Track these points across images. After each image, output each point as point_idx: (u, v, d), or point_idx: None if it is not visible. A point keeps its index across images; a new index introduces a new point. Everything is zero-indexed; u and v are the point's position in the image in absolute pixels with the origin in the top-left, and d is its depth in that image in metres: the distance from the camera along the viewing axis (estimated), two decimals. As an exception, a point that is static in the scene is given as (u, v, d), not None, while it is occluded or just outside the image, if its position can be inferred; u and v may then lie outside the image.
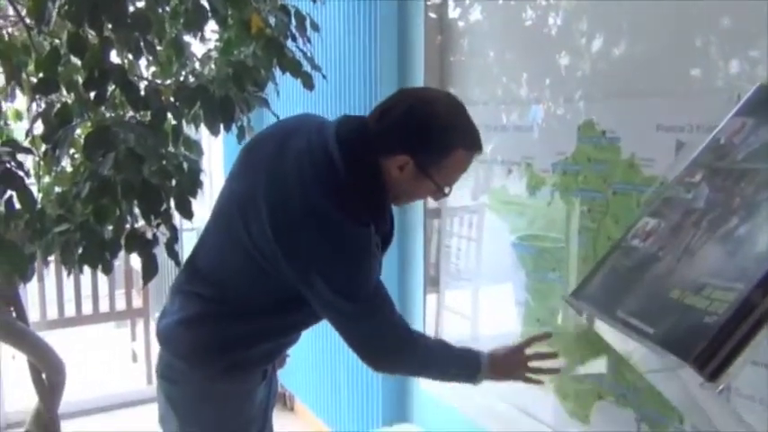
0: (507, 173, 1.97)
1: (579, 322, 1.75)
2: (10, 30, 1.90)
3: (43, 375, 2.33)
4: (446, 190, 1.46)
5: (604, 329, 1.15)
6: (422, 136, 1.37)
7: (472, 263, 2.22)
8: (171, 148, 1.92)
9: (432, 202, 2.32)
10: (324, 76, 2.18)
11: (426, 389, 2.40)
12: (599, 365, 1.71)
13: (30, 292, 3.18)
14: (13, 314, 2.26)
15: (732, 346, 0.77)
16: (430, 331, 2.36)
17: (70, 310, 3.80)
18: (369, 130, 1.40)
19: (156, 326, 1.60)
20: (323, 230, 1.34)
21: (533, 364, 1.57)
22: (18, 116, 2.26)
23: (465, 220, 2.27)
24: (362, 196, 1.37)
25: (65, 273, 2.56)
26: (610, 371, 1.66)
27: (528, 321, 1.90)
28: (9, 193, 1.61)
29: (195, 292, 1.52)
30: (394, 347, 1.49)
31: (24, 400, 2.76)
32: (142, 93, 1.77)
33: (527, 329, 1.90)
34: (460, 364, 1.55)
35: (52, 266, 3.45)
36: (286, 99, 2.62)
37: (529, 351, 1.58)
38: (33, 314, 2.62)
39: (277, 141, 1.47)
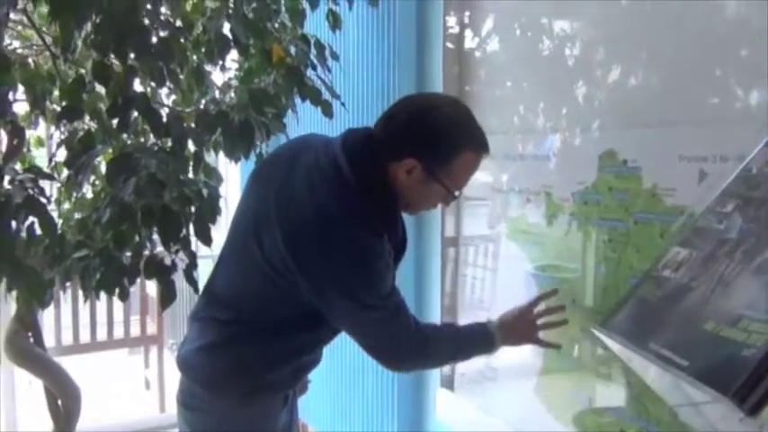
0: (526, 202, 1.97)
1: (598, 353, 1.73)
2: (36, 59, 1.92)
3: (59, 401, 2.32)
4: (456, 193, 1.47)
5: (632, 362, 1.13)
6: (428, 139, 1.37)
7: (488, 292, 2.20)
8: (191, 175, 1.93)
9: (449, 231, 2.31)
10: (343, 105, 2.20)
11: (443, 419, 2.37)
12: (619, 398, 1.68)
13: (45, 318, 3.18)
14: (31, 339, 2.26)
15: (772, 380, 0.75)
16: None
17: (85, 336, 3.80)
18: (374, 139, 1.41)
19: (177, 354, 1.59)
20: (334, 241, 1.34)
21: (542, 320, 1.60)
22: (40, 143, 2.28)
23: (481, 249, 2.26)
24: (372, 205, 1.37)
25: (80, 299, 2.56)
26: (631, 404, 1.63)
27: (549, 352, 1.87)
28: (31, 219, 1.62)
29: (213, 317, 1.51)
30: (411, 350, 1.51)
31: (39, 425, 2.75)
32: (164, 120, 1.79)
33: (547, 361, 1.87)
34: (475, 344, 1.59)
35: (68, 292, 3.46)
36: (305, 127, 2.63)
37: (536, 310, 1.61)
38: (48, 339, 2.62)
39: (286, 160, 1.48)
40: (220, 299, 1.52)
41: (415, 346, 1.50)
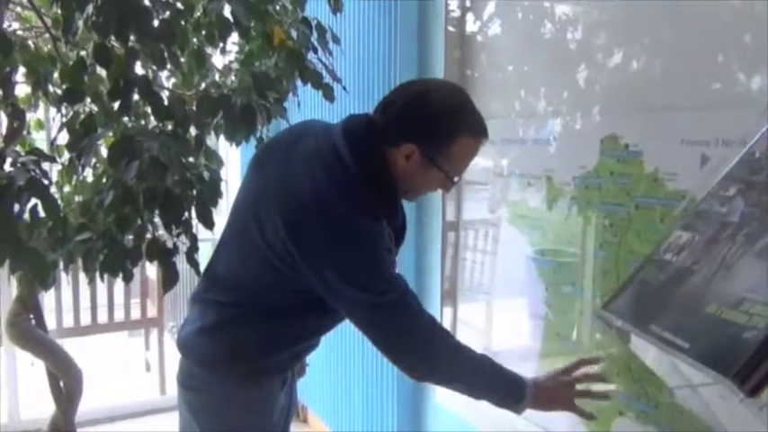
0: (526, 186, 1.97)
1: (599, 336, 1.74)
2: (36, 41, 1.92)
3: (61, 383, 2.34)
4: (455, 179, 1.46)
5: (632, 344, 1.14)
6: (425, 123, 1.37)
7: (488, 276, 2.21)
8: (191, 159, 1.93)
9: (449, 215, 2.32)
10: (344, 88, 2.19)
11: (442, 402, 2.38)
12: (616, 382, 1.69)
13: (46, 300, 3.19)
14: (33, 321, 2.27)
15: (773, 361, 0.76)
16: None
17: (86, 319, 3.82)
18: (374, 125, 1.41)
19: (177, 336, 1.60)
20: (334, 224, 1.34)
21: (581, 387, 1.48)
22: (40, 125, 2.28)
23: (481, 233, 2.27)
24: (372, 188, 1.38)
25: (82, 281, 2.57)
26: (630, 387, 1.64)
27: (548, 336, 1.89)
28: (33, 201, 1.63)
29: (214, 300, 1.52)
30: (422, 343, 1.41)
31: (41, 406, 2.77)
32: (165, 103, 1.78)
33: (547, 344, 1.89)
34: (500, 383, 1.47)
35: (69, 275, 3.46)
36: (306, 110, 2.63)
37: (576, 374, 1.50)
38: (49, 322, 2.63)
39: (286, 145, 1.49)
40: (221, 282, 1.53)
41: (421, 339, 1.42)
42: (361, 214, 1.35)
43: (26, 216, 1.63)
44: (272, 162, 1.47)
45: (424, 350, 1.43)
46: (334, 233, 1.34)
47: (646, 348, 1.11)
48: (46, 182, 1.64)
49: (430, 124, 1.37)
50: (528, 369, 1.93)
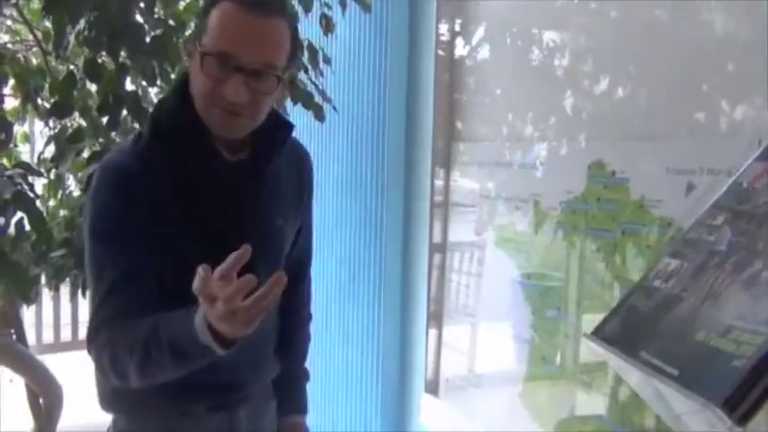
0: (514, 209, 1.98)
1: (584, 360, 1.75)
2: (26, 54, 1.91)
3: (40, 399, 2.30)
4: (219, 52, 1.13)
5: (621, 370, 1.15)
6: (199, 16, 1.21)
7: (473, 299, 2.22)
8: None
9: (436, 237, 2.33)
10: (334, 108, 2.21)
11: (426, 425, 2.38)
12: (602, 406, 1.70)
13: (26, 315, 3.14)
14: (14, 336, 2.24)
15: (761, 389, 0.77)
16: (430, 366, 2.35)
17: (66, 335, 3.77)
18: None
19: None
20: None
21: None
22: (26, 138, 2.26)
23: (467, 255, 2.28)
24: (161, 141, 1.19)
25: (63, 297, 2.54)
26: (614, 412, 1.65)
27: (533, 359, 1.89)
28: (19, 214, 1.61)
29: None
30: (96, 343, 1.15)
31: (20, 423, 2.71)
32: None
33: (532, 367, 1.89)
34: (186, 356, 1.07)
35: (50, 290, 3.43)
36: (296, 130, 2.63)
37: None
38: (30, 337, 2.59)
39: None
40: None
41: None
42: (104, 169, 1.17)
43: (12, 229, 1.61)
44: None
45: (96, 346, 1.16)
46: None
47: (629, 374, 1.12)
48: (32, 195, 1.63)
49: (201, 13, 1.20)
50: (513, 392, 1.94)
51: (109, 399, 1.31)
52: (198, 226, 1.17)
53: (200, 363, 1.07)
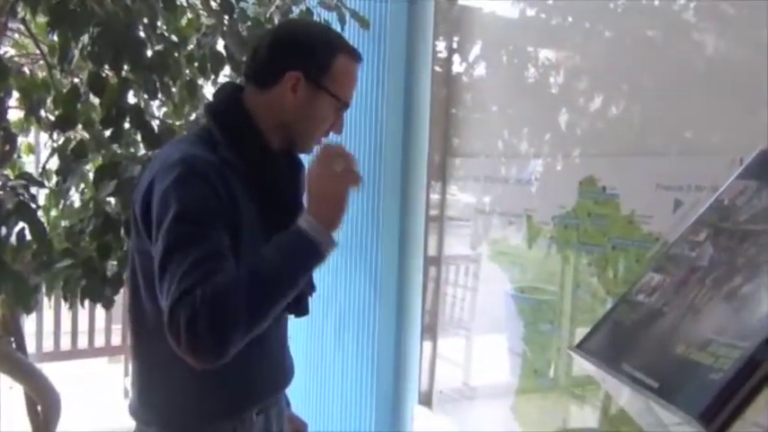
0: (508, 224, 2.01)
1: (573, 374, 1.77)
2: (32, 67, 1.95)
3: (38, 407, 2.32)
4: (345, 104, 1.33)
5: (606, 382, 1.17)
6: (300, 46, 1.30)
7: (468, 312, 2.24)
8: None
9: (431, 250, 2.35)
10: (332, 123, 2.23)
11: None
12: (593, 419, 1.72)
13: (27, 324, 3.17)
14: (13, 345, 2.26)
15: (737, 402, 0.79)
16: (423, 378, 2.37)
17: (66, 344, 3.79)
18: (238, 87, 1.36)
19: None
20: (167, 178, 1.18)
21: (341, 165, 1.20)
22: (31, 150, 2.29)
23: (462, 269, 2.31)
24: (233, 145, 1.26)
25: (63, 306, 2.56)
26: (604, 425, 1.67)
27: (525, 372, 1.91)
28: (21, 224, 1.64)
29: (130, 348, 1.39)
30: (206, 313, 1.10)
31: (19, 430, 2.73)
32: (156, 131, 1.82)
33: (524, 380, 1.91)
34: (301, 260, 1.18)
35: (51, 299, 3.45)
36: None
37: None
38: (29, 345, 2.62)
39: None
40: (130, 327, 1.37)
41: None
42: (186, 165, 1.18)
43: (12, 239, 1.64)
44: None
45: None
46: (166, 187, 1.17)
47: (619, 388, 1.14)
48: (34, 206, 1.65)
49: (308, 45, 1.30)
50: (505, 405, 1.96)
51: (161, 412, 1.31)
52: (262, 214, 1.27)
53: (307, 268, 1.19)
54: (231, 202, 1.20)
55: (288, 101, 1.28)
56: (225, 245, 1.16)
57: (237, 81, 1.42)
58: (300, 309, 1.38)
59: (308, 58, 1.29)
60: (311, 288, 1.41)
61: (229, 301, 1.09)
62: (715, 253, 1.00)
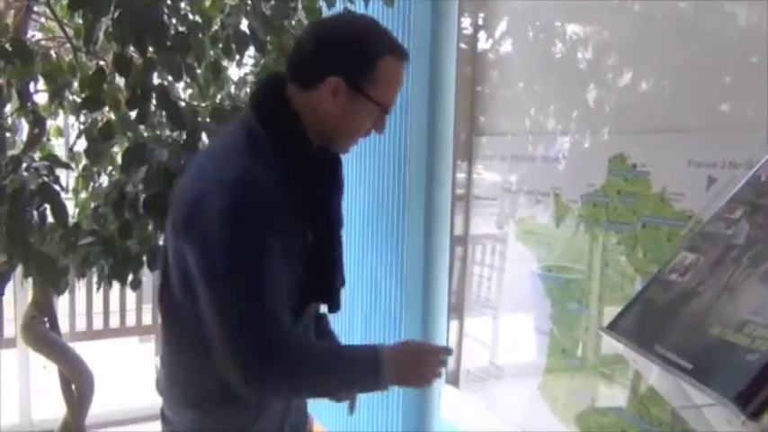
0: (535, 202, 1.99)
1: (602, 353, 1.75)
2: (58, 50, 1.96)
3: (72, 386, 2.37)
4: (387, 108, 1.33)
5: (637, 363, 1.15)
6: (345, 49, 1.27)
7: (495, 291, 2.23)
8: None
9: (458, 230, 2.34)
10: (356, 102, 2.22)
11: (446, 417, 2.40)
12: (621, 399, 1.71)
13: (60, 304, 3.23)
14: (47, 325, 2.30)
15: (775, 384, 0.77)
16: (451, 358, 2.37)
17: (98, 323, 3.87)
18: (281, 75, 1.34)
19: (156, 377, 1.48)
20: (209, 216, 1.19)
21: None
22: (60, 133, 2.32)
23: (489, 248, 2.29)
24: (281, 150, 1.26)
25: (94, 286, 2.60)
26: (633, 405, 1.65)
27: (553, 351, 1.90)
28: (45, 205, 1.66)
29: (163, 332, 1.40)
30: (258, 360, 1.20)
31: (52, 409, 2.80)
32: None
33: (551, 360, 1.90)
34: (356, 368, 1.31)
35: (82, 280, 3.52)
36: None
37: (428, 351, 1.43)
38: (63, 325, 2.67)
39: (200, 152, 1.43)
40: (162, 311, 1.39)
41: (260, 353, 1.20)
42: (251, 201, 1.19)
43: (36, 220, 1.66)
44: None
45: (259, 368, 1.21)
46: (210, 222, 1.18)
47: (649, 367, 1.13)
48: (57, 188, 1.67)
49: (350, 49, 1.27)
50: (532, 384, 1.95)
51: (188, 393, 1.36)
52: (314, 221, 1.30)
53: (355, 390, 1.41)
54: (288, 220, 1.23)
55: (328, 105, 1.27)
56: (283, 265, 1.22)
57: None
58: (333, 303, 1.42)
59: (350, 63, 1.27)
60: (342, 281, 1.44)
61: (302, 370, 1.25)
62: (752, 231, 0.97)
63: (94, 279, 1.96)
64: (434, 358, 1.40)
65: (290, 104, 1.29)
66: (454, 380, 2.35)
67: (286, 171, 1.24)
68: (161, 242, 1.86)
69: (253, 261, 1.18)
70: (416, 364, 1.37)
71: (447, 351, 1.47)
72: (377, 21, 1.35)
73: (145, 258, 1.90)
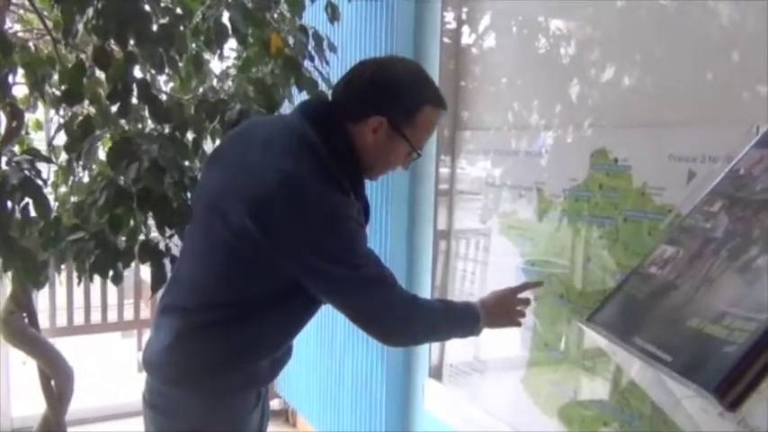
0: (518, 197, 1.99)
1: (584, 347, 1.77)
2: (37, 42, 1.93)
3: (52, 382, 2.34)
4: (419, 151, 1.51)
5: (617, 355, 1.16)
6: (392, 95, 1.41)
7: (478, 285, 2.23)
8: (187, 162, 1.95)
9: (441, 224, 2.34)
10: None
11: (429, 410, 2.40)
12: (603, 392, 1.72)
13: (40, 299, 3.20)
14: (26, 320, 2.28)
15: (752, 376, 0.78)
16: (434, 352, 2.37)
17: (79, 319, 3.83)
18: (334, 103, 1.45)
19: (143, 354, 1.54)
20: (302, 202, 1.32)
21: (522, 307, 1.69)
22: (39, 126, 2.29)
23: (473, 242, 2.29)
24: (339, 164, 1.39)
25: (75, 281, 2.57)
26: (614, 397, 1.67)
27: (536, 346, 1.91)
28: (26, 200, 1.64)
29: (180, 307, 1.46)
30: (402, 315, 1.47)
31: (32, 405, 2.78)
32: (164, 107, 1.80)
33: (534, 353, 1.91)
34: (462, 321, 1.60)
35: (63, 275, 3.48)
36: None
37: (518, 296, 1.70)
38: (43, 321, 2.64)
39: (240, 139, 1.50)
40: (186, 286, 1.48)
41: (402, 312, 1.46)
42: (328, 189, 1.35)
43: (18, 215, 1.64)
44: (231, 156, 1.45)
45: (402, 321, 1.48)
46: (308, 210, 1.32)
47: (630, 360, 1.14)
48: (39, 182, 1.65)
49: (397, 92, 1.41)
50: (515, 378, 1.96)
51: (193, 374, 1.46)
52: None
53: (457, 335, 1.68)
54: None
55: (367, 138, 1.42)
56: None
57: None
58: None
59: (396, 106, 1.41)
60: None
61: (429, 324, 1.56)
62: (730, 224, 0.98)
63: (74, 274, 1.93)
64: (518, 301, 1.68)
65: (347, 130, 1.43)
66: (437, 374, 2.36)
67: (345, 181, 1.41)
68: (152, 236, 1.87)
69: (364, 240, 1.42)
70: (505, 310, 1.66)
71: (526, 286, 1.73)
72: (423, 68, 1.51)
73: (136, 251, 1.89)
